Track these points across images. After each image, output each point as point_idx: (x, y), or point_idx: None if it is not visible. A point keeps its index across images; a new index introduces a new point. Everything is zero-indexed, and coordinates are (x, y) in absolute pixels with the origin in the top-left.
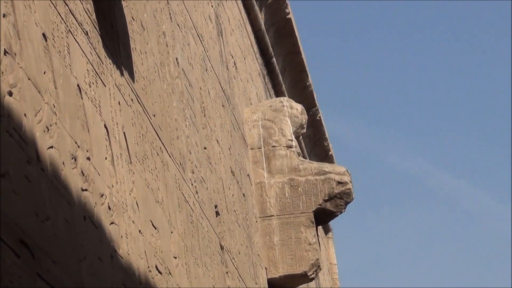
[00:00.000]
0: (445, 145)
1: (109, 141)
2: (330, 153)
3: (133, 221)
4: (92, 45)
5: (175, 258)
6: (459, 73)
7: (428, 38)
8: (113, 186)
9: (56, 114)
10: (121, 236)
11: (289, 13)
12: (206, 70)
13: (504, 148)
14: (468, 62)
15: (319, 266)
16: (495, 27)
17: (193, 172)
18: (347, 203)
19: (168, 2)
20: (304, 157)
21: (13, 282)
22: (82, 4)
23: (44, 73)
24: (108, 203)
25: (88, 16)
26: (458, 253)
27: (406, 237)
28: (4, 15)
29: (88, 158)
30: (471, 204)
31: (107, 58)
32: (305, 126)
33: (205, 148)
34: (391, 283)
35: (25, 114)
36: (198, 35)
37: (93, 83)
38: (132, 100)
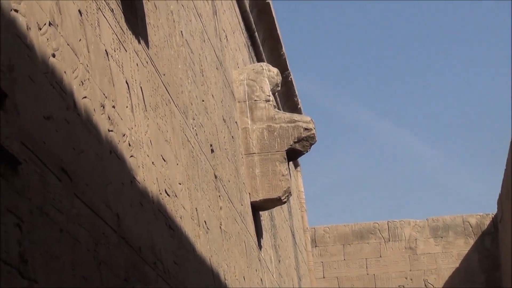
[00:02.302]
0: (387, 98)
1: (129, 93)
2: (299, 106)
3: (147, 155)
4: (116, 19)
5: (180, 184)
6: (403, 37)
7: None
8: (132, 128)
9: (88, 72)
10: (138, 166)
11: None
12: (204, 41)
13: (436, 98)
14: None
15: (290, 192)
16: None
17: (194, 119)
18: (311, 144)
19: None
20: (278, 109)
21: (55, 200)
22: None
23: (80, 40)
24: (129, 141)
25: None
26: (391, 182)
27: (353, 171)
28: None
29: (113, 106)
30: (404, 147)
31: (128, 30)
32: (279, 85)
33: (203, 100)
34: (342, 204)
35: (65, 71)
36: (198, 14)
37: (117, 49)
38: (147, 62)
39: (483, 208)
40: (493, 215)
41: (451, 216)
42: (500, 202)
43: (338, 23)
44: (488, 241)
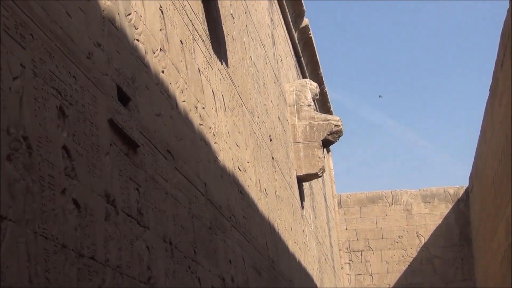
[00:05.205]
0: (394, 103)
1: (214, 99)
2: (331, 109)
3: (226, 142)
4: (206, 47)
5: (248, 162)
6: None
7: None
8: (215, 123)
9: (186, 84)
10: (220, 150)
11: (310, 33)
12: (266, 63)
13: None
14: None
15: (324, 169)
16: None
17: (258, 117)
18: (339, 136)
19: (246, 26)
20: (317, 111)
21: (163, 172)
22: (201, 25)
23: (181, 61)
24: (213, 132)
25: (204, 32)
26: (394, 163)
27: (368, 155)
28: (160, 29)
29: (203, 108)
30: (404, 138)
31: (214, 55)
32: (318, 94)
33: (264, 104)
34: (360, 177)
35: (170, 83)
36: (262, 44)
37: (206, 68)
38: (226, 77)
39: (459, 182)
40: (466, 187)
41: (436, 187)
42: (471, 178)
43: (363, 50)
44: (462, 206)
